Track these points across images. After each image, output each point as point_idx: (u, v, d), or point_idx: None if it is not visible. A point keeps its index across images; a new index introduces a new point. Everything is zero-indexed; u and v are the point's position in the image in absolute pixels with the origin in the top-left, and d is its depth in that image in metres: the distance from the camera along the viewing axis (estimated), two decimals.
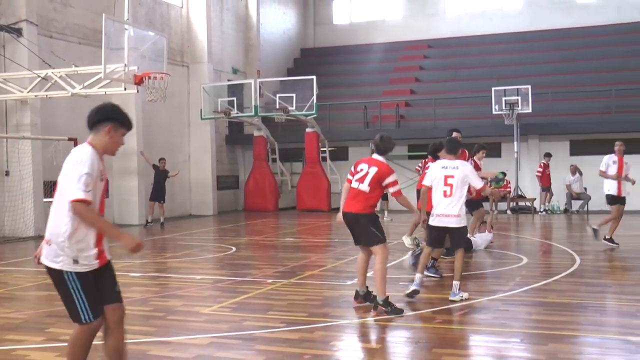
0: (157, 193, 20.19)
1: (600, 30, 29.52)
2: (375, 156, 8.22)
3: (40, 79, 17.03)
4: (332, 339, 6.83)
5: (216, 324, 7.42)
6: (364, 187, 8.01)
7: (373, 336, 7.00)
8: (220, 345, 6.58)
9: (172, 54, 23.60)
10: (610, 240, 12.93)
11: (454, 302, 8.21)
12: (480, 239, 13.13)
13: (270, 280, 9.79)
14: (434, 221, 8.64)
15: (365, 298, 8.18)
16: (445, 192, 8.49)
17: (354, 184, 8.10)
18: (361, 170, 8.11)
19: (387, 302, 7.68)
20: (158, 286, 10.10)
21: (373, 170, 8.01)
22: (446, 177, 8.50)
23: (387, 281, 7.81)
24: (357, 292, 8.28)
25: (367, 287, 8.20)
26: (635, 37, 28.48)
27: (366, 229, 8.05)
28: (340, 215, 8.37)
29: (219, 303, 8.54)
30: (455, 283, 8.39)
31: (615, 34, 28.99)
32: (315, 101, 23.95)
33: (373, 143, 8.38)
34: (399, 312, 7.66)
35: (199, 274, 11.10)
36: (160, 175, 20.26)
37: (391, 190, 8.02)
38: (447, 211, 8.47)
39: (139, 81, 15.76)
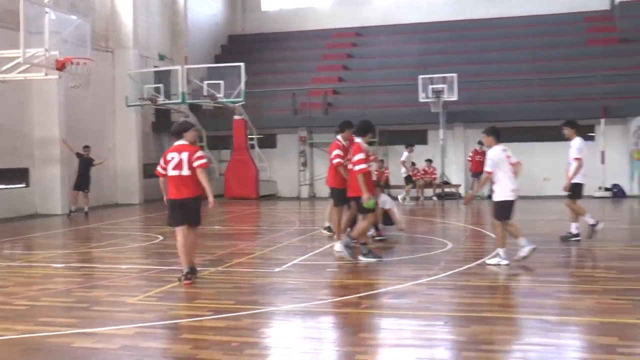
0: (81, 182, 19.70)
1: (523, 21, 30.28)
2: (181, 142, 9.03)
3: None
4: (260, 326, 6.84)
5: (142, 313, 7.33)
6: (185, 171, 8.85)
7: (300, 322, 7.04)
8: (146, 335, 6.51)
9: (96, 39, 23.03)
10: None
11: None
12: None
13: (197, 269, 9.72)
14: None
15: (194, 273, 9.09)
16: None
17: (173, 172, 8.87)
18: (172, 159, 8.90)
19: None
20: (82, 277, 9.91)
21: (185, 155, 8.87)
22: None
23: None
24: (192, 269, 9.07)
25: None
26: (555, 28, 29.40)
27: (199, 210, 9.10)
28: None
29: (145, 292, 8.44)
30: None
31: (537, 25, 29.80)
32: (243, 88, 23.78)
33: (171, 132, 9.33)
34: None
35: (125, 263, 10.94)
36: (85, 164, 19.77)
37: (197, 163, 8.86)
38: None
39: (60, 66, 15.35)
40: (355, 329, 6.64)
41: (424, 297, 7.88)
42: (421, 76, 23.77)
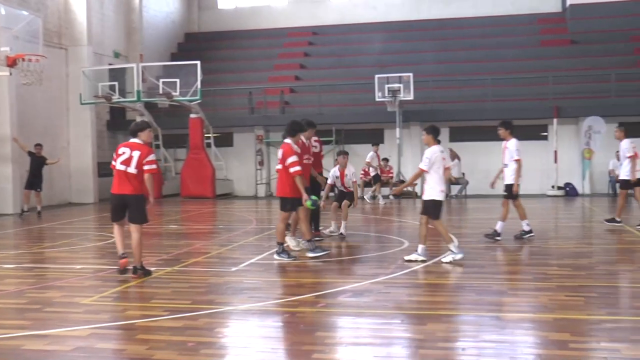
0: (33, 181, 19.29)
1: (478, 22, 30.71)
2: (136, 140, 9.11)
3: None
4: (216, 325, 6.79)
5: (97, 314, 7.22)
6: (132, 169, 8.90)
7: (257, 322, 7.01)
8: (101, 336, 6.41)
9: (49, 36, 22.61)
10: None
11: None
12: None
13: (153, 269, 9.61)
14: None
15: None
16: None
17: (120, 167, 8.92)
18: (123, 153, 8.95)
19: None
20: (34, 277, 9.70)
21: (136, 153, 8.90)
22: None
23: None
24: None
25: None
26: (508, 29, 29.89)
27: (142, 208, 9.11)
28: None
29: (100, 293, 8.31)
30: None
31: (491, 26, 30.25)
32: (199, 87, 23.62)
33: (129, 131, 9.33)
34: (149, 273, 9.12)
35: (79, 263, 10.76)
36: (37, 162, 19.36)
37: (147, 167, 8.93)
38: None
39: (11, 63, 15.09)
40: (313, 327, 6.64)
41: (381, 296, 7.92)
42: (377, 75, 23.88)
